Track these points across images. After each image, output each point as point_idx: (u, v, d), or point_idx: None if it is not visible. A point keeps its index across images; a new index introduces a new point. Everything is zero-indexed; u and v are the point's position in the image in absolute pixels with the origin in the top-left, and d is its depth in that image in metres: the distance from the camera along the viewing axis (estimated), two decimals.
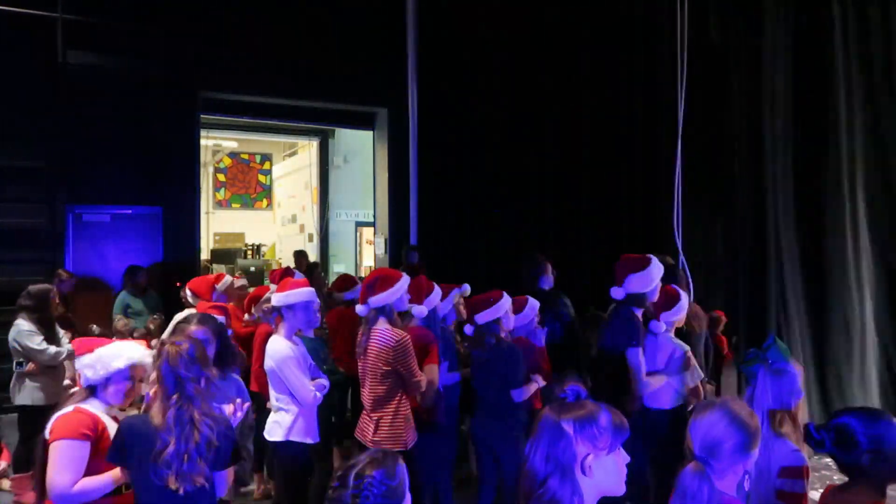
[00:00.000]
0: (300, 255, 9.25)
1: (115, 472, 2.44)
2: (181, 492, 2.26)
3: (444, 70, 8.00)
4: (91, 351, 2.58)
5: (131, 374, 2.59)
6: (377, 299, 3.51)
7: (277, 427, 3.56)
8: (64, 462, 2.37)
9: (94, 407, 2.55)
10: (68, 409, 2.51)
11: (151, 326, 5.98)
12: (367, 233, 11.92)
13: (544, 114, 7.40)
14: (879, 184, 6.19)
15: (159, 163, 7.44)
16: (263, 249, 14.21)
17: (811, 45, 6.00)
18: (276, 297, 3.60)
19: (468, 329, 4.01)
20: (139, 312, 6.39)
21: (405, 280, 3.60)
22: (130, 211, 7.48)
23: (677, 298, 3.95)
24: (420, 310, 3.77)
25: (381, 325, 3.53)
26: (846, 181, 6.03)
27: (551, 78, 7.34)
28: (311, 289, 3.69)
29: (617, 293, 3.82)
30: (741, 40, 6.09)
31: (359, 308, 3.62)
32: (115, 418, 2.62)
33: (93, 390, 2.57)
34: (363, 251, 12.53)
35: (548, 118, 7.37)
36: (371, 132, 9.62)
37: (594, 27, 7.00)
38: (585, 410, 1.73)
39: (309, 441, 3.58)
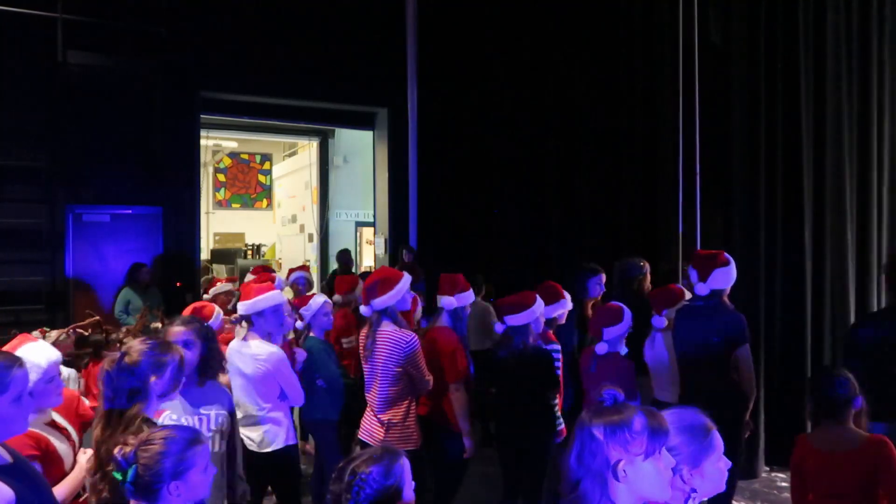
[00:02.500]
0: (345, 255, 8.74)
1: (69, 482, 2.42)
2: None
3: (444, 70, 8.00)
4: None
5: (53, 373, 2.52)
6: (379, 301, 3.50)
7: (279, 433, 3.50)
8: None
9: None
10: None
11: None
12: (367, 233, 11.92)
13: (544, 113, 7.39)
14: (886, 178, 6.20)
15: (159, 163, 7.43)
16: (263, 249, 14.22)
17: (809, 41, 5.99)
18: (245, 305, 3.53)
19: (498, 328, 3.86)
20: (140, 309, 6.37)
21: (406, 280, 3.59)
22: (130, 211, 7.47)
23: (682, 296, 4.13)
24: (449, 300, 3.75)
25: (387, 326, 3.52)
26: (847, 175, 6.02)
27: (551, 77, 7.33)
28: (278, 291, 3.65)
29: (701, 289, 3.77)
30: (741, 38, 6.06)
31: (363, 309, 3.62)
32: (53, 424, 2.59)
33: None
34: (363, 251, 12.52)
35: (548, 117, 7.37)
36: (371, 132, 9.61)
37: (595, 27, 6.99)
38: (619, 415, 1.67)
39: (294, 442, 3.59)
